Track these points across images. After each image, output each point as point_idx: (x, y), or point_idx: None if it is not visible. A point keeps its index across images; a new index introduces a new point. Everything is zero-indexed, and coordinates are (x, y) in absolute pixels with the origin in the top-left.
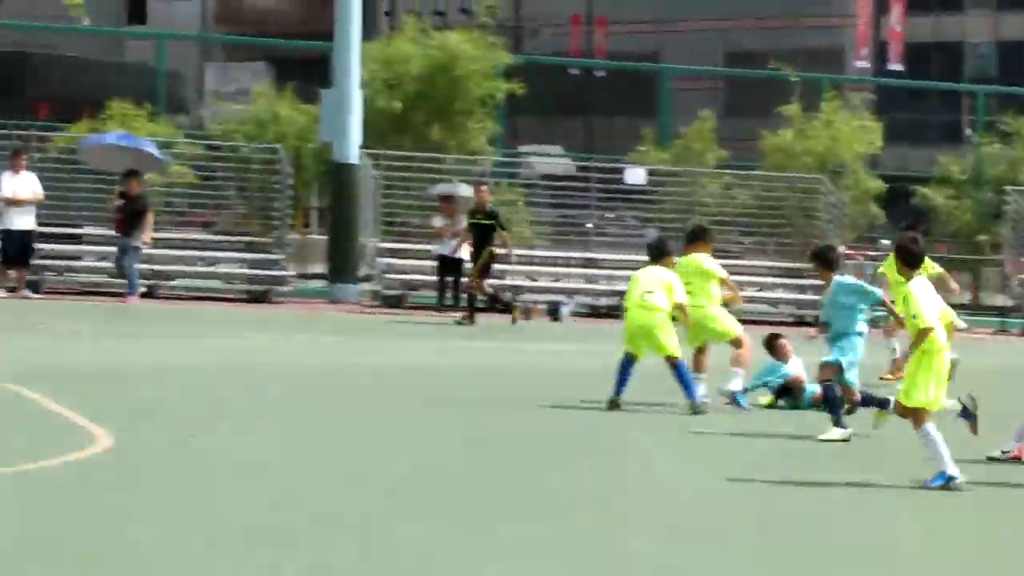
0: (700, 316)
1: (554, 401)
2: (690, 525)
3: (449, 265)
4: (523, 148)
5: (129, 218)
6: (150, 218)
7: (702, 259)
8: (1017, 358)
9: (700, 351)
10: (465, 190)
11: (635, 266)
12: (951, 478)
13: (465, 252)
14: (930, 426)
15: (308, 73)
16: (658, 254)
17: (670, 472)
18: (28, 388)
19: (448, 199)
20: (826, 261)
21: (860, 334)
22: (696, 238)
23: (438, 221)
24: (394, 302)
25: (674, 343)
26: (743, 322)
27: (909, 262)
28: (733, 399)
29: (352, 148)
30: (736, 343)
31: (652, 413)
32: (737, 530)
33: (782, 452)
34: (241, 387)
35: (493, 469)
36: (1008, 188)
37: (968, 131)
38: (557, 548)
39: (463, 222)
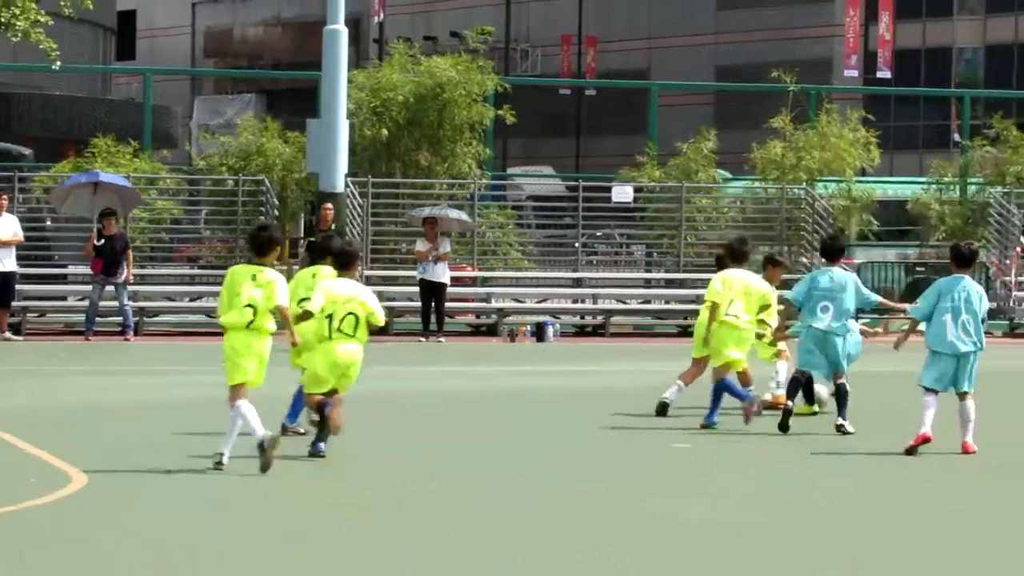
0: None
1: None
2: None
3: (433, 289)
4: (513, 170)
5: (111, 258)
6: (131, 255)
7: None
8: (1002, 361)
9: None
10: (454, 213)
11: (621, 284)
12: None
13: (447, 275)
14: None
15: (299, 102)
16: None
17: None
18: (6, 431)
19: (432, 222)
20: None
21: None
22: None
23: (421, 245)
24: (379, 330)
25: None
26: None
27: None
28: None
29: (338, 177)
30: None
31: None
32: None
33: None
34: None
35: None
36: (992, 191)
37: (956, 136)
38: None
39: (447, 245)
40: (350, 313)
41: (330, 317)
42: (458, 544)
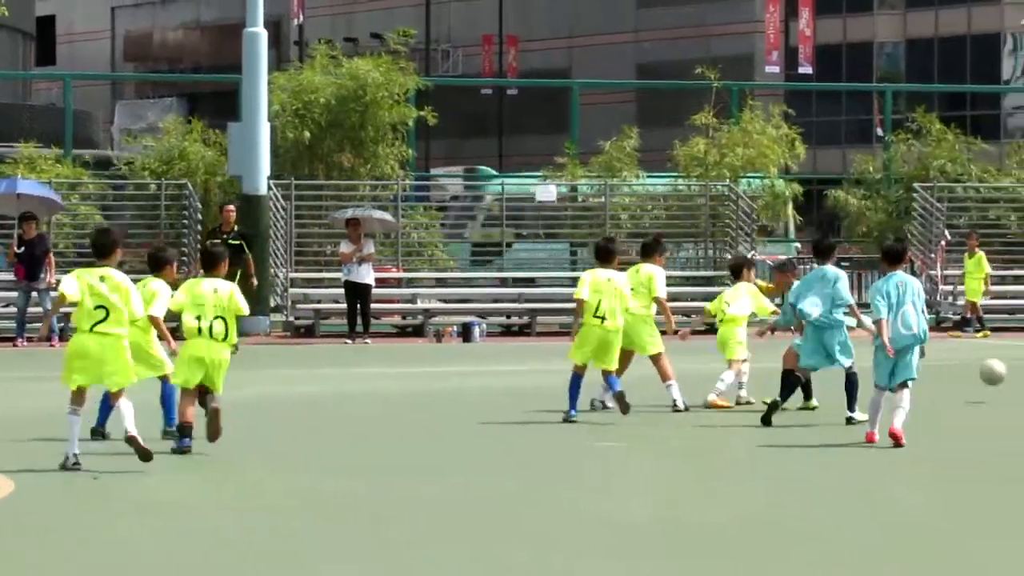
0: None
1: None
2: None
3: (357, 291)
4: (436, 171)
5: (32, 262)
6: (52, 259)
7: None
8: (928, 355)
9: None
10: (377, 214)
11: (548, 283)
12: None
13: (371, 276)
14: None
15: (221, 105)
16: (155, 265)
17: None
18: None
19: (355, 224)
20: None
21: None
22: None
23: (345, 247)
24: (305, 332)
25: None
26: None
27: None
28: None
29: (261, 180)
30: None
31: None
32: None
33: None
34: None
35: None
36: (916, 186)
37: (879, 130)
38: None
39: (371, 246)
40: (219, 316)
41: (199, 318)
42: (397, 544)
